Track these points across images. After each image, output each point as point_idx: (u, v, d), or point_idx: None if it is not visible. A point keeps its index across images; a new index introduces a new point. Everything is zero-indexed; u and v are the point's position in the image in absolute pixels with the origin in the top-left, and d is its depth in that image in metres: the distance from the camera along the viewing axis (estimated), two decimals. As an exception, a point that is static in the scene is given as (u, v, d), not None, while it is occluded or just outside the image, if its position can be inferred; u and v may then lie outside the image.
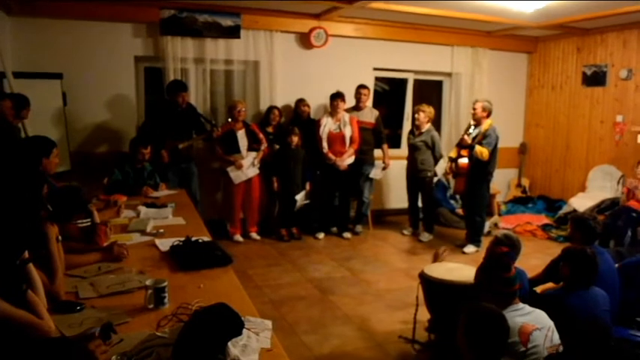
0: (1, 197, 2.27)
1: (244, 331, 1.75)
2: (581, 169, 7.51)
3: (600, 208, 6.59)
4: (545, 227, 6.87)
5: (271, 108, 6.34)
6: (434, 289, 3.44)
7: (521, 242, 3.39)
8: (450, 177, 6.24)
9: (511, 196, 8.12)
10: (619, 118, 7.00)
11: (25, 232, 2.07)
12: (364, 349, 3.67)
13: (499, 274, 2.58)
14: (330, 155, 6.22)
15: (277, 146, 6.19)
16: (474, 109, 5.80)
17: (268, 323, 2.03)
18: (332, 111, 6.27)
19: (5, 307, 1.67)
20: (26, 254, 1.89)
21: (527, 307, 2.54)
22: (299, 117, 6.44)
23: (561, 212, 7.12)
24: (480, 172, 5.77)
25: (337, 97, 6.20)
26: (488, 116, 5.78)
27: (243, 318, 1.76)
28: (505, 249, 3.03)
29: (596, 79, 7.28)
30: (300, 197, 6.17)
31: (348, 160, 6.29)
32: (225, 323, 1.66)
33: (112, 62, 5.96)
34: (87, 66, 5.83)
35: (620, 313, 3.20)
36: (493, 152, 5.68)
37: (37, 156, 3.34)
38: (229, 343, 1.67)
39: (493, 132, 5.67)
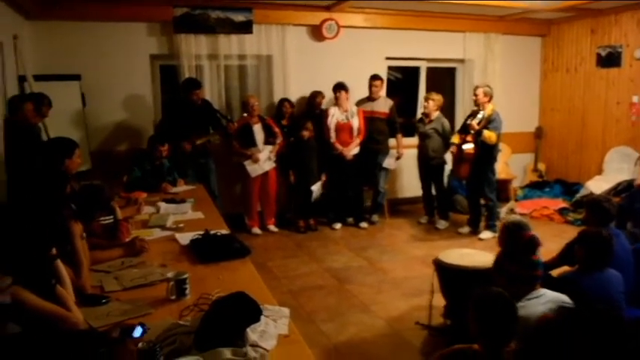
0: (28, 197, 2.38)
1: (262, 318, 1.84)
2: (598, 152, 7.46)
3: (617, 190, 6.55)
4: (562, 211, 6.86)
5: (282, 101, 6.42)
6: (448, 275, 3.50)
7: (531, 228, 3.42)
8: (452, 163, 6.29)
9: (527, 181, 8.10)
10: (635, 99, 6.93)
11: (51, 229, 2.17)
12: (381, 335, 3.75)
13: (527, 257, 2.64)
14: (337, 145, 6.28)
15: (292, 139, 6.26)
16: (476, 94, 5.84)
17: (286, 311, 2.11)
18: (335, 102, 6.33)
19: (37, 300, 1.77)
20: (54, 251, 2.00)
21: (549, 294, 2.58)
22: (313, 109, 6.50)
23: (578, 196, 7.08)
24: (486, 157, 5.82)
25: (338, 88, 6.27)
26: (489, 101, 5.82)
27: (261, 306, 1.85)
28: (531, 233, 3.05)
29: (611, 59, 7.22)
30: (316, 188, 6.24)
31: (354, 150, 6.35)
32: (244, 310, 1.74)
33: (128, 62, 6.08)
34: (104, 66, 5.96)
35: (636, 295, 3.23)
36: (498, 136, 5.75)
37: (59, 157, 3.45)
38: (248, 330, 1.75)
39: (497, 116, 5.74)
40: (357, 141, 6.36)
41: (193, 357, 1.60)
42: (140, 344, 1.60)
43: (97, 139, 6.00)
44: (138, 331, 1.78)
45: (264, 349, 1.75)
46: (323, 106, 6.62)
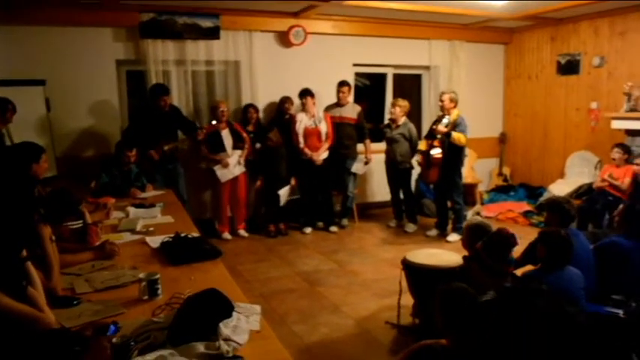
0: (-3, 200, 2.36)
1: (234, 313, 1.87)
2: (560, 156, 7.68)
3: (578, 193, 6.76)
4: (526, 214, 7.04)
5: (247, 106, 6.44)
6: (416, 275, 3.58)
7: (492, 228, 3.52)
8: (420, 168, 6.40)
9: (493, 185, 8.29)
10: (593, 105, 7.17)
11: (21, 232, 2.16)
12: (352, 335, 3.80)
13: (504, 253, 2.73)
14: (306, 150, 6.33)
15: (258, 145, 6.28)
16: (442, 100, 6.00)
17: (257, 308, 2.15)
18: (302, 108, 6.40)
19: (8, 301, 1.76)
20: (24, 253, 1.99)
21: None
22: (282, 114, 6.54)
23: (542, 199, 7.26)
24: (453, 161, 5.97)
25: (304, 94, 6.35)
26: (455, 107, 5.98)
27: (233, 303, 1.88)
28: (511, 232, 3.13)
29: (570, 67, 7.46)
30: (283, 192, 6.27)
31: (323, 155, 6.42)
32: (216, 306, 1.77)
33: (94, 67, 6.02)
34: (69, 72, 5.88)
35: (597, 291, 3.34)
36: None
37: (27, 161, 3.41)
38: (220, 325, 1.78)
39: (463, 120, 5.90)
40: (326, 146, 6.43)
41: (167, 351, 1.62)
42: (114, 339, 1.61)
43: (62, 145, 5.91)
44: (111, 330, 1.79)
45: (237, 343, 1.77)
46: (291, 112, 6.67)
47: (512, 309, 2.32)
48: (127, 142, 5.36)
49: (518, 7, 6.47)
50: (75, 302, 2.24)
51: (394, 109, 6.43)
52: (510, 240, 2.94)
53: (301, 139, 6.35)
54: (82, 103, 6.03)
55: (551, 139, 7.87)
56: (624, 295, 3.23)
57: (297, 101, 6.62)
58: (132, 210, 4.17)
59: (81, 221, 3.33)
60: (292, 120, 6.44)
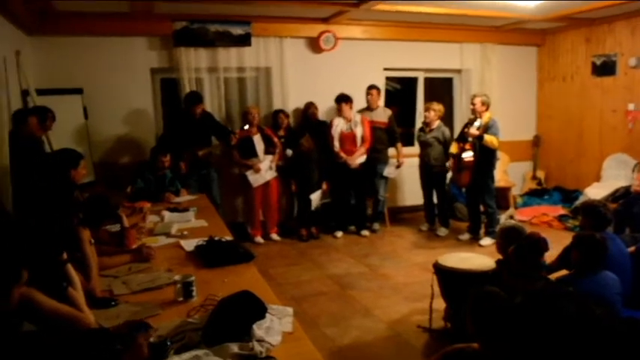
0: (39, 205, 2.45)
1: (267, 315, 1.90)
2: (596, 159, 7.53)
3: (615, 196, 6.61)
4: (561, 218, 6.92)
5: (277, 112, 6.51)
6: (448, 279, 3.56)
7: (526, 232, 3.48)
8: (451, 172, 6.36)
9: (527, 189, 8.16)
10: (631, 107, 7.01)
11: (61, 235, 2.24)
12: (384, 338, 3.80)
13: (535, 258, 2.71)
14: (342, 154, 6.36)
15: (290, 151, 6.33)
16: (474, 103, 5.96)
17: (290, 310, 2.18)
18: (338, 113, 6.43)
19: (51, 302, 1.83)
20: (64, 256, 2.07)
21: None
22: (309, 120, 6.59)
23: (577, 202, 7.12)
24: (485, 164, 5.92)
25: (340, 100, 6.37)
26: (487, 110, 5.93)
27: (266, 304, 1.91)
28: (542, 236, 3.11)
29: (605, 68, 7.31)
30: (315, 197, 6.31)
31: (359, 159, 6.42)
32: (250, 307, 1.81)
33: (129, 75, 6.17)
34: (105, 80, 6.04)
35: (635, 297, 3.27)
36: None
37: (66, 167, 3.52)
38: (254, 326, 1.81)
39: (495, 122, 5.85)
40: (362, 150, 6.43)
41: (202, 351, 1.67)
42: (152, 338, 1.66)
43: (99, 151, 6.07)
44: (145, 328, 1.84)
45: (270, 343, 1.81)
46: (320, 117, 6.71)
47: (539, 313, 2.30)
48: (161, 148, 5.47)
49: (550, 8, 6.37)
50: (113, 303, 2.32)
51: (428, 112, 6.41)
52: (541, 245, 2.90)
53: (336, 143, 6.39)
54: (118, 111, 6.18)
55: (586, 142, 7.72)
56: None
57: (324, 106, 6.68)
58: (167, 214, 4.26)
59: (119, 225, 3.42)
60: (329, 124, 6.49)
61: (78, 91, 5.78)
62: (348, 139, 6.40)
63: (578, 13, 6.73)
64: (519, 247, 2.93)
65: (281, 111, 6.54)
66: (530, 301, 2.36)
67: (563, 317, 2.28)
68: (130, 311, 2.22)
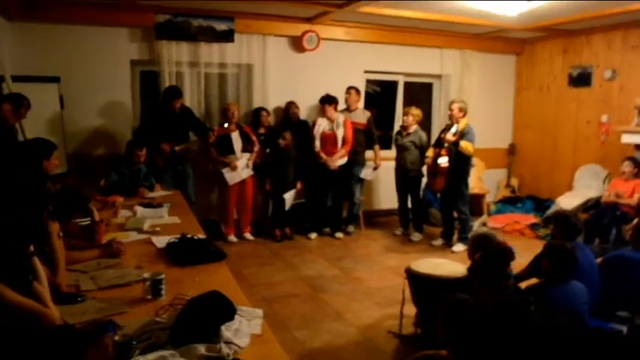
0: (7, 195, 2.40)
1: (236, 316, 1.89)
2: (569, 169, 7.64)
3: (586, 206, 6.73)
4: (533, 226, 7.01)
5: (259, 109, 6.49)
6: (419, 284, 3.58)
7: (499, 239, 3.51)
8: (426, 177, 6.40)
9: (500, 196, 8.26)
10: (604, 118, 7.14)
11: (29, 227, 2.19)
12: (354, 343, 3.80)
13: (501, 267, 2.72)
14: (322, 154, 6.36)
15: (268, 150, 6.31)
16: (451, 109, 6.00)
17: (259, 312, 2.16)
18: (322, 114, 6.42)
19: (14, 296, 1.79)
20: (31, 248, 2.02)
21: None
22: (289, 119, 6.58)
23: (549, 211, 7.23)
24: (460, 170, 5.97)
25: (324, 101, 6.37)
26: (464, 116, 5.98)
27: (235, 306, 1.89)
28: (507, 245, 3.13)
29: (581, 79, 7.44)
30: (289, 196, 6.29)
31: (339, 160, 6.42)
32: (218, 308, 1.79)
33: (109, 66, 6.07)
34: (84, 70, 5.94)
35: (603, 307, 3.32)
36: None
37: (38, 157, 3.45)
38: (222, 327, 1.80)
39: (471, 129, 5.90)
40: (343, 152, 6.43)
41: (168, 352, 1.64)
42: (117, 337, 1.64)
43: (74, 142, 5.96)
44: (110, 328, 1.81)
45: (238, 346, 1.79)
46: (301, 116, 6.70)
47: (506, 322, 2.32)
48: (137, 142, 5.40)
49: (530, 18, 6.47)
50: (79, 299, 2.27)
51: (407, 117, 6.44)
52: (507, 254, 2.92)
53: (317, 143, 6.39)
54: (95, 102, 6.08)
55: (560, 152, 7.84)
56: (630, 312, 3.22)
57: (305, 105, 6.69)
58: (139, 209, 4.20)
59: (89, 218, 3.36)
60: (312, 124, 6.50)
61: (55, 79, 5.66)
62: (329, 139, 6.40)
63: (557, 24, 6.84)
64: (486, 255, 2.94)
65: (263, 109, 6.51)
66: (498, 310, 2.38)
67: (529, 326, 2.30)
68: (96, 308, 2.18)
